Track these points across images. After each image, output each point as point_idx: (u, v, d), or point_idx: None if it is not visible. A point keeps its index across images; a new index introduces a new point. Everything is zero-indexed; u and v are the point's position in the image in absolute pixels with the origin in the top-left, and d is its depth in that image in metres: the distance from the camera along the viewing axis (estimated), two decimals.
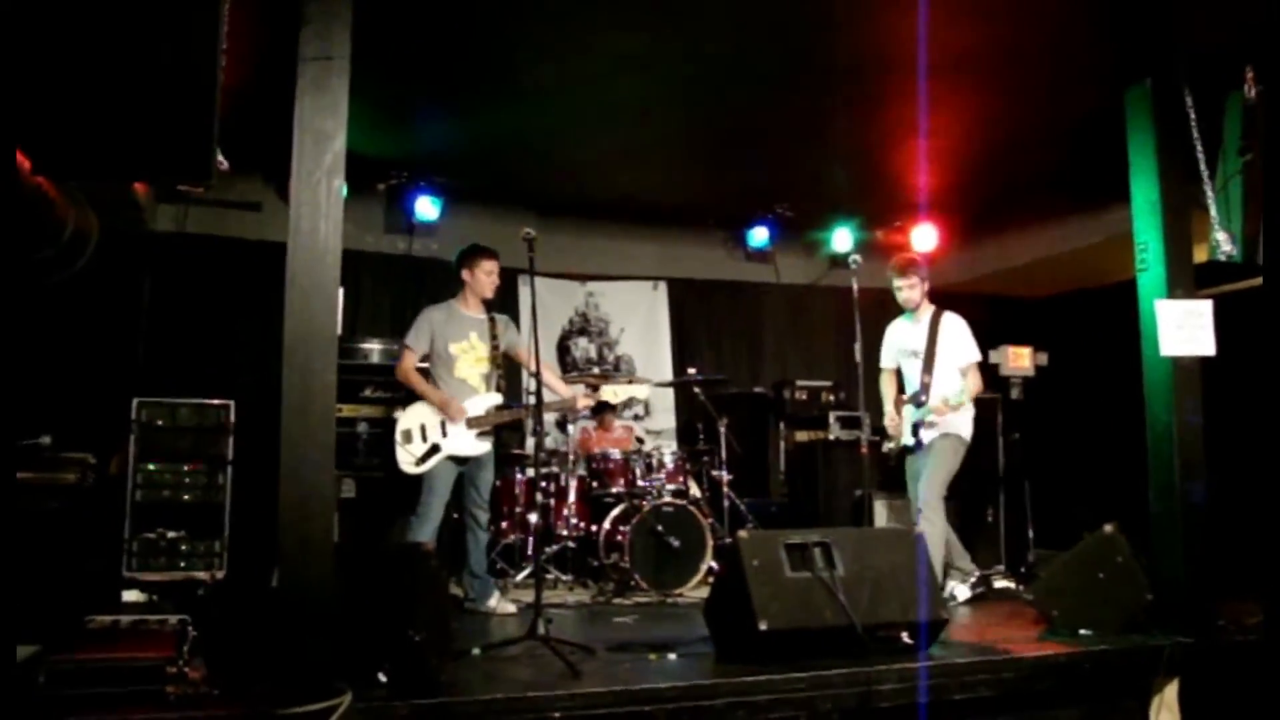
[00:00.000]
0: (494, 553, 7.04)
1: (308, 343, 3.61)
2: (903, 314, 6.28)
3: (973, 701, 4.08)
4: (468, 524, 5.78)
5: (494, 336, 5.85)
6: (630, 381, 7.57)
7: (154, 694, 3.33)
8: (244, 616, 4.72)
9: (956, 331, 6.05)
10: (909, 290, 6.10)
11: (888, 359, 6.34)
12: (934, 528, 5.63)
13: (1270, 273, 4.96)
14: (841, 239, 9.36)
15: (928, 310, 6.15)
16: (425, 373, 5.86)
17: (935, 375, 5.97)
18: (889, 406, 6.23)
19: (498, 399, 5.80)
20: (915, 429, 5.93)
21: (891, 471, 6.57)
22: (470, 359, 5.81)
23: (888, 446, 6.19)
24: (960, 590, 5.92)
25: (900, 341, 6.24)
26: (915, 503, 5.94)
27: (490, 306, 5.95)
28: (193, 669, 3.45)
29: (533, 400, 5.02)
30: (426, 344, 5.78)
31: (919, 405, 5.94)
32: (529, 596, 4.95)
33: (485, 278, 5.83)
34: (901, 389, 6.24)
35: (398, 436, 5.62)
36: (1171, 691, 4.48)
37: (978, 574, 6.16)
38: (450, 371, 5.76)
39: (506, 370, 5.99)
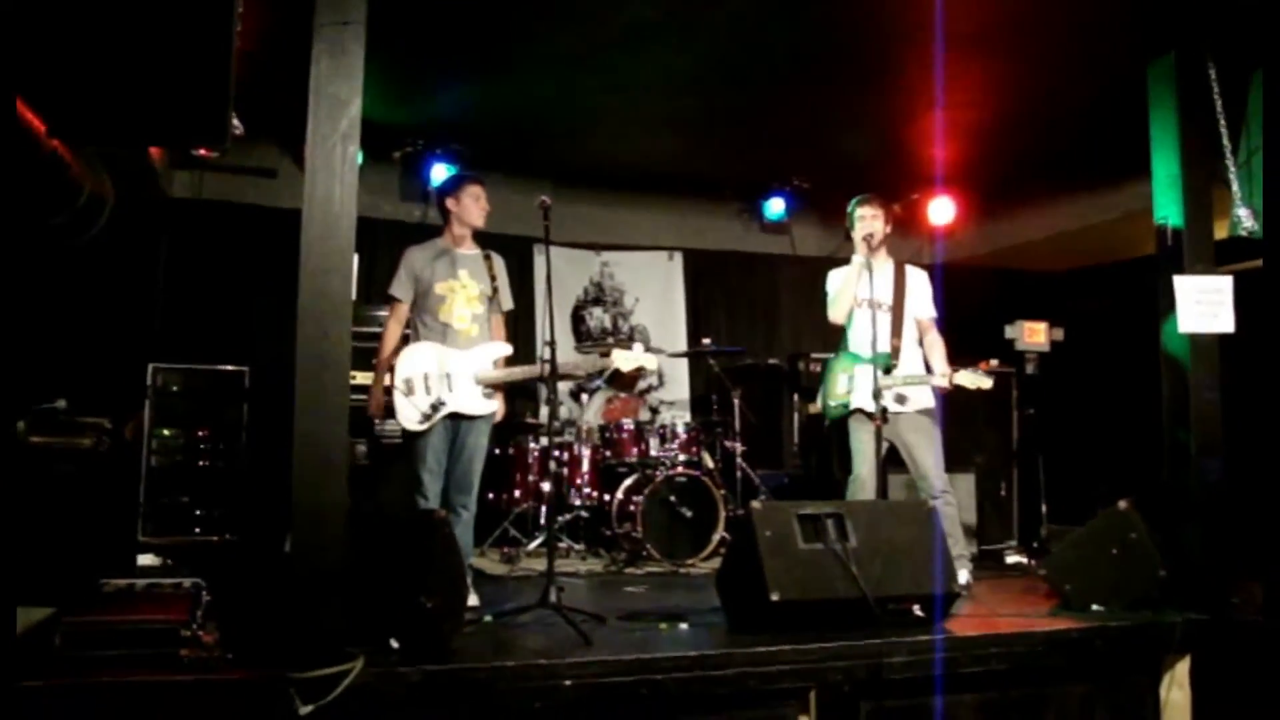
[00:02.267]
0: (507, 521, 7.07)
1: (322, 308, 3.60)
2: (843, 265, 5.57)
3: (984, 675, 4.08)
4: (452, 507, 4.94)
5: (492, 275, 5.23)
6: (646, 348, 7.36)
7: (168, 656, 3.36)
8: (258, 581, 4.75)
9: (924, 283, 5.55)
10: (872, 222, 5.40)
11: (843, 309, 5.50)
12: (952, 508, 5.36)
13: (1272, 252, 4.92)
14: None
15: (888, 258, 5.53)
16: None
17: (905, 338, 5.41)
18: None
19: (505, 349, 5.19)
20: (876, 395, 5.09)
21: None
22: (461, 299, 5.11)
23: (833, 406, 5.56)
24: (964, 576, 5.44)
25: (857, 288, 5.41)
26: (857, 472, 5.42)
27: (510, 257, 5.49)
28: (206, 632, 3.48)
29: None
30: (412, 289, 5.11)
31: (886, 371, 5.21)
32: (541, 565, 4.95)
33: (473, 203, 5.20)
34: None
35: (399, 384, 4.90)
36: (1183, 668, 4.48)
37: (971, 551, 5.91)
38: (435, 315, 5.06)
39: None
